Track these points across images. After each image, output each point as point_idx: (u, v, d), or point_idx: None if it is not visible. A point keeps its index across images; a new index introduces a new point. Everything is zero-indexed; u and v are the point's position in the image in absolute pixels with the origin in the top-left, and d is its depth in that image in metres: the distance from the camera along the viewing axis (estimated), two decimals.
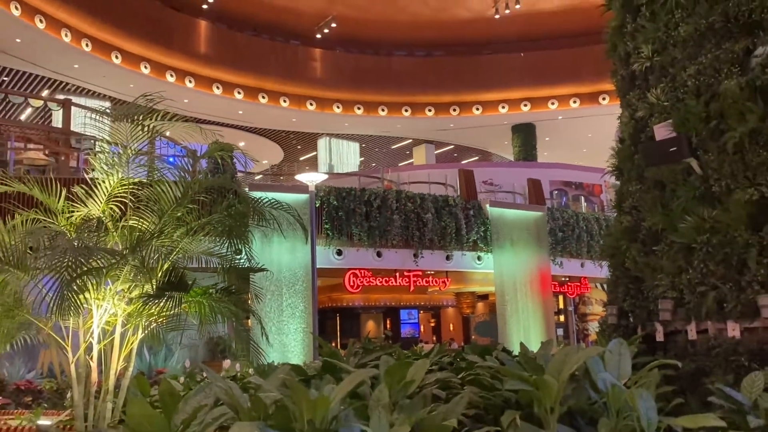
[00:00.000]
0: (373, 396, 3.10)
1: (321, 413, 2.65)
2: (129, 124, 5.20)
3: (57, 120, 22.74)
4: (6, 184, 5.61)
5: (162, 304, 4.78)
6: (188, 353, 16.81)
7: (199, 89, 27.46)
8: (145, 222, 4.91)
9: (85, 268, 4.18)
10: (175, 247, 4.82)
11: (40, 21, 21.75)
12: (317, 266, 15.18)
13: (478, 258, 18.41)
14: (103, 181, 5.09)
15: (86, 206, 5.14)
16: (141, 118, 5.18)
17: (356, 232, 16.75)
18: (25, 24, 21.24)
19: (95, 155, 5.32)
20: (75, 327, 4.93)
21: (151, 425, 2.68)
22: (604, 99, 29.69)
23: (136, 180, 5.23)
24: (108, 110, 5.36)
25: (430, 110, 31.11)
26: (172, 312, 4.83)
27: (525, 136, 31.40)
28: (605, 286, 23.34)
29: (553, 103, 30.36)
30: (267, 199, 6.04)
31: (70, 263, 4.10)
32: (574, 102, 30.26)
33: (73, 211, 5.17)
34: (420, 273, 18.39)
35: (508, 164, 31.27)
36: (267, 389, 3.00)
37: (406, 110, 31.00)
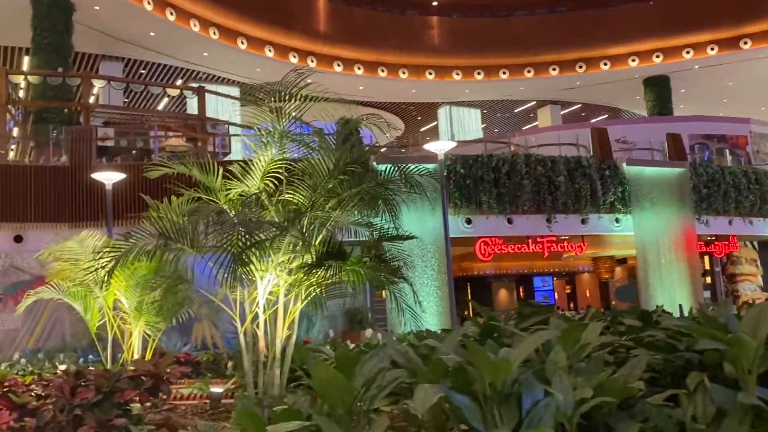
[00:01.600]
0: (548, 359, 2.97)
1: (503, 376, 2.56)
2: (279, 102, 5.29)
3: (191, 107, 24.02)
4: (167, 166, 5.93)
5: (322, 273, 4.87)
6: (329, 324, 17.34)
7: (321, 68, 27.92)
8: (298, 196, 5.00)
9: (253, 241, 4.30)
10: (328, 218, 4.87)
11: (171, 13, 22.85)
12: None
13: (616, 220, 17.60)
14: (258, 159, 5.23)
15: (243, 183, 5.31)
16: (292, 96, 5.24)
17: (485, 199, 16.46)
18: (157, 17, 22.39)
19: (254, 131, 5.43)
20: (241, 299, 5.13)
21: (335, 387, 2.70)
22: (745, 43, 27.35)
23: (288, 157, 5.33)
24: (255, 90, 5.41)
25: (554, 69, 30.00)
26: (331, 280, 4.91)
27: (658, 89, 29.59)
28: (756, 244, 21.64)
29: (687, 52, 28.35)
30: (408, 167, 5.98)
31: (239, 237, 4.24)
32: (712, 49, 28.08)
33: (230, 189, 5.37)
34: (554, 238, 17.85)
35: (643, 120, 29.61)
36: (443, 352, 2.95)
37: (529, 71, 30.08)
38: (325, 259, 4.77)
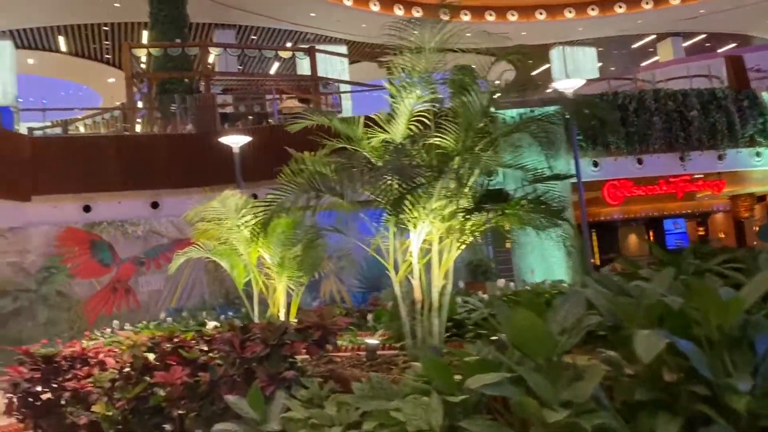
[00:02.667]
0: None
1: (732, 317, 2.26)
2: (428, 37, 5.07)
3: (301, 69, 24.27)
4: (308, 118, 5.88)
5: (480, 217, 4.66)
6: (452, 275, 17.24)
7: (427, 17, 27.28)
8: (448, 139, 4.79)
9: (410, 187, 4.14)
10: (477, 160, 4.64)
11: None
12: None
13: (757, 154, 16.29)
14: (401, 103, 5.03)
15: (384, 132, 5.15)
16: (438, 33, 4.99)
17: (613, 140, 15.64)
18: None
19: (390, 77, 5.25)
20: (392, 249, 5.03)
21: (533, 334, 2.50)
22: None
23: (432, 97, 5.10)
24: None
25: None
26: (490, 225, 4.70)
27: None
28: None
29: None
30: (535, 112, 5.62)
31: (397, 184, 4.10)
32: None
33: (371, 137, 5.23)
34: (688, 177, 16.78)
35: None
36: (657, 293, 2.67)
37: (647, 2, 28.13)
38: (484, 203, 4.54)
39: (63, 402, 4.30)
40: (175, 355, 4.09)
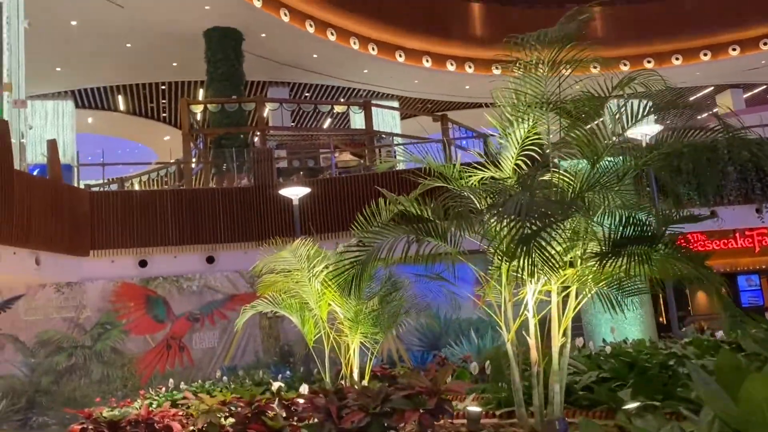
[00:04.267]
0: None
1: None
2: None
3: (354, 124, 24.26)
4: (390, 162, 5.47)
5: (617, 262, 4.08)
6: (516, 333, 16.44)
7: (479, 72, 27.26)
8: (562, 177, 4.28)
9: (539, 226, 3.60)
10: (611, 196, 4.05)
11: (331, 33, 23.17)
12: None
13: None
14: (512, 132, 4.57)
15: (483, 170, 4.69)
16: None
17: (684, 191, 14.88)
18: (318, 39, 22.79)
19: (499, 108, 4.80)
20: (497, 301, 4.49)
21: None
22: None
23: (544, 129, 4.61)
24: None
25: (734, 49, 27.24)
26: (628, 273, 4.09)
27: None
28: None
29: None
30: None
31: (527, 221, 3.57)
32: None
33: (470, 175, 4.77)
34: (766, 230, 15.83)
35: None
36: None
37: (705, 54, 27.53)
38: (622, 245, 3.98)
39: None
40: (258, 423, 3.58)
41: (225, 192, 15.40)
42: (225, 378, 13.02)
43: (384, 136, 21.97)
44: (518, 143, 4.64)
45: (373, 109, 21.69)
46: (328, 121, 27.90)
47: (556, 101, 4.65)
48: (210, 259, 14.84)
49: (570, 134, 4.52)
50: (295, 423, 3.71)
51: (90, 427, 4.08)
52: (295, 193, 12.27)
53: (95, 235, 14.22)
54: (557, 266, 3.86)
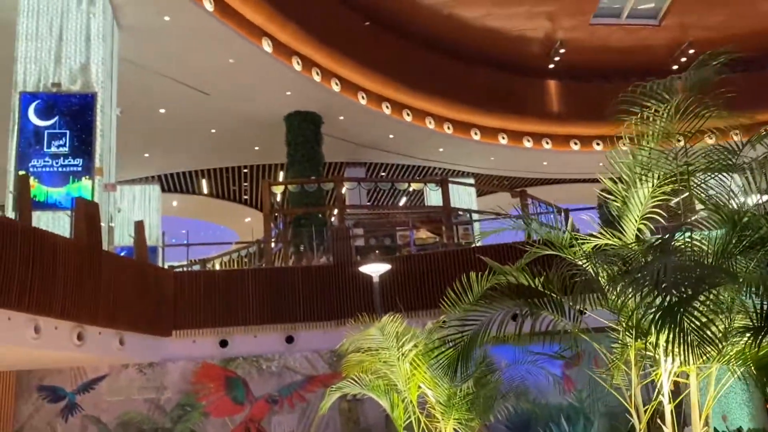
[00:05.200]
0: None
1: None
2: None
3: (429, 202, 24.17)
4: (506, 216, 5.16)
5: None
6: (608, 422, 15.32)
7: (557, 148, 26.97)
8: (700, 242, 3.84)
9: (688, 294, 3.17)
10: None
11: (407, 114, 23.50)
12: None
13: None
14: (635, 192, 4.21)
15: (600, 237, 4.30)
16: None
17: None
18: (395, 120, 23.14)
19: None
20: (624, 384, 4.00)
21: None
22: None
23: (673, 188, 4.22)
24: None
25: None
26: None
27: None
28: None
29: None
30: None
31: (676, 286, 3.14)
32: None
33: (582, 242, 4.40)
34: None
35: None
36: None
37: None
38: None
39: None
40: None
41: (304, 270, 15.34)
42: None
43: (461, 213, 21.72)
44: (641, 205, 4.24)
45: (450, 186, 21.58)
46: (404, 199, 27.96)
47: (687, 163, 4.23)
48: (289, 339, 14.63)
49: (702, 192, 4.09)
50: None
51: None
52: (375, 270, 12.03)
53: (178, 314, 14.30)
54: (714, 341, 3.37)
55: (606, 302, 3.59)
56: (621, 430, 14.33)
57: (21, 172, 14.06)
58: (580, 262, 4.23)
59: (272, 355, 14.62)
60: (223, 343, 14.44)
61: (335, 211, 20.86)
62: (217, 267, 20.60)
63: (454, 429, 5.93)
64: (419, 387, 6.09)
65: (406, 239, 19.83)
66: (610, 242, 4.21)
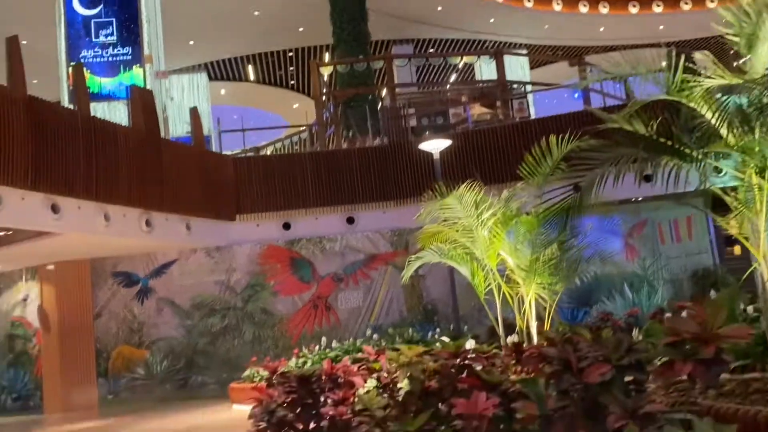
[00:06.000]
0: None
1: None
2: None
3: (480, 77, 23.33)
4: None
5: None
6: (672, 289, 15.27)
7: (615, 12, 25.47)
8: None
9: None
10: None
11: None
12: None
13: None
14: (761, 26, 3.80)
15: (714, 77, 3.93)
16: None
17: None
18: None
19: None
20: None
21: None
22: None
23: None
24: None
25: None
26: None
27: None
28: None
29: None
30: None
31: None
32: None
33: (694, 85, 4.05)
34: None
35: None
36: None
37: None
38: None
39: None
40: (469, 377, 3.15)
41: (361, 152, 15.18)
42: (375, 336, 12.94)
43: (515, 86, 20.95)
44: None
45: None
46: (453, 77, 27.13)
47: None
48: (350, 220, 14.73)
49: None
50: (513, 377, 3.23)
51: (278, 381, 3.83)
52: (435, 146, 11.75)
53: (240, 199, 14.47)
54: None
55: (726, 144, 3.30)
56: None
57: (74, 63, 13.97)
58: (693, 105, 3.90)
59: (334, 236, 14.80)
60: (286, 226, 14.64)
61: (385, 92, 20.35)
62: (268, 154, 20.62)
63: (536, 293, 5.86)
64: (498, 254, 6.00)
65: (459, 117, 19.31)
66: (733, 81, 3.84)
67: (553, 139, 5.89)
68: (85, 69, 14.19)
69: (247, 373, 12.34)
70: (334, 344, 12.69)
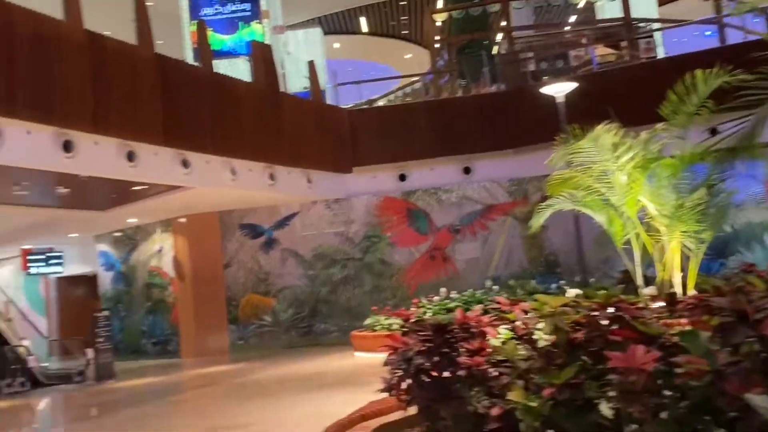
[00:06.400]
0: None
1: None
2: None
3: (600, 16, 21.97)
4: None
5: None
6: None
7: None
8: None
9: None
10: None
11: None
12: None
13: None
14: None
15: None
16: None
17: None
18: None
19: None
20: None
21: None
22: None
23: None
24: None
25: None
26: None
27: None
28: None
29: None
30: None
31: None
32: None
33: None
34: None
35: None
36: None
37: None
38: None
39: (458, 383, 3.43)
40: (624, 329, 2.93)
41: (477, 99, 14.79)
42: (496, 287, 12.76)
43: (642, 24, 19.59)
44: None
45: None
46: (573, 17, 25.76)
47: None
48: (467, 170, 14.47)
49: None
50: (669, 332, 2.96)
51: (413, 329, 3.76)
52: (559, 89, 11.19)
53: (356, 151, 14.54)
54: None
55: None
56: None
57: (196, 21, 14.36)
58: None
59: (450, 187, 14.61)
60: (402, 177, 14.60)
61: (501, 36, 19.64)
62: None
63: (681, 243, 5.45)
64: (638, 200, 5.62)
65: (581, 60, 18.34)
66: None
67: (700, 74, 5.38)
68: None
69: (368, 321, 12.56)
70: (453, 295, 12.62)
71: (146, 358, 15.74)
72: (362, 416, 4.42)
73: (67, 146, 9.11)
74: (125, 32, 10.49)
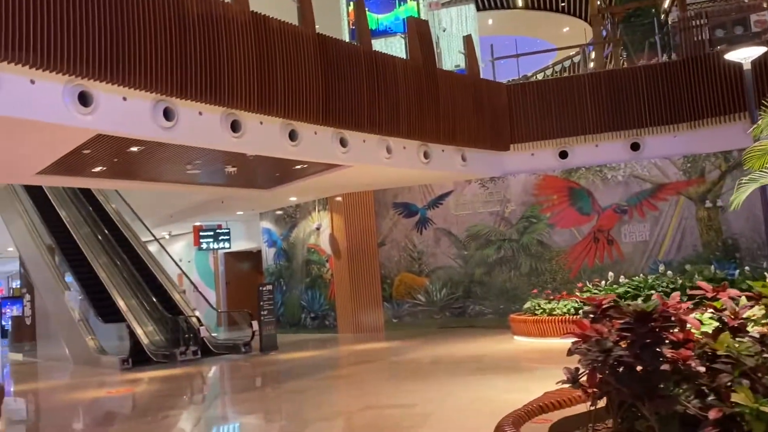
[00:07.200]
0: None
1: None
2: None
3: None
4: None
5: None
6: None
7: None
8: None
9: None
10: None
11: None
12: None
13: None
14: None
15: None
16: None
17: None
18: None
19: None
20: None
21: None
22: None
23: None
24: None
25: None
26: None
27: None
28: None
29: None
30: None
31: None
32: None
33: None
34: None
35: None
36: None
37: None
38: None
39: (663, 379, 3.01)
40: None
41: (647, 70, 13.66)
42: (669, 273, 11.82)
43: None
44: None
45: None
46: None
47: None
48: (635, 146, 13.47)
49: None
50: None
51: (608, 314, 3.37)
52: (746, 55, 10.00)
53: (514, 128, 14.01)
54: None
55: None
56: None
57: (354, 1, 14.43)
58: None
59: (616, 164, 13.69)
60: (563, 154, 13.87)
61: (669, 2, 18.09)
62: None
63: None
64: None
65: (765, 25, 16.50)
66: None
67: None
68: None
69: (527, 305, 12.09)
70: (621, 279, 11.84)
71: (305, 331, 16.28)
72: (540, 407, 4.08)
73: (235, 126, 9.44)
74: (286, 16, 10.69)
